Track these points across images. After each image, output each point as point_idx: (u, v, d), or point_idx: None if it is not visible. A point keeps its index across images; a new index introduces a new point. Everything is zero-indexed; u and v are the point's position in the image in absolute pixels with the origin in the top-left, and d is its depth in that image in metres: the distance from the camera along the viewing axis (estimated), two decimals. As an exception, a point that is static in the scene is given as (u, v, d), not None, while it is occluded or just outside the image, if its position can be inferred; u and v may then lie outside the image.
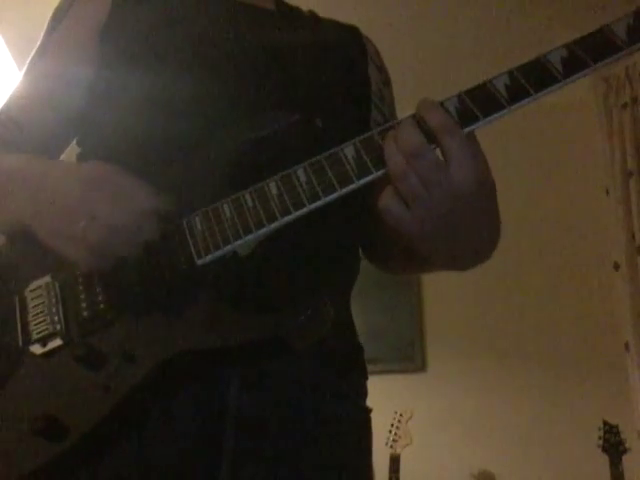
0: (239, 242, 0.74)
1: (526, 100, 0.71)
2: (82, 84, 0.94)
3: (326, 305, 0.73)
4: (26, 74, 0.98)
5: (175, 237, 0.76)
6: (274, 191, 0.74)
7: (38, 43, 1.00)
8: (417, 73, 2.59)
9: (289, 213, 0.72)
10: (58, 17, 1.00)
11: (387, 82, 1.08)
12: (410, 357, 3.13)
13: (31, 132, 0.93)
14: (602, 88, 3.01)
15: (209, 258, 0.74)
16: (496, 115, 0.71)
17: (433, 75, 2.77)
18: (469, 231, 0.75)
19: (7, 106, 0.96)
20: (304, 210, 0.72)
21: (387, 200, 0.70)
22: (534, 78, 0.72)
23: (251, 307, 0.74)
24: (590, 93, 3.05)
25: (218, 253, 0.74)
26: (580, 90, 3.03)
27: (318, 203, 0.72)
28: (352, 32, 1.10)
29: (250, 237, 0.73)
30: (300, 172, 0.74)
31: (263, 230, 0.73)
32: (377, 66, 1.07)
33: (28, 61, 0.98)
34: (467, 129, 0.71)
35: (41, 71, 0.97)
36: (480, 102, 0.71)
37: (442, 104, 0.72)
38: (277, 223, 0.73)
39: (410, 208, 0.70)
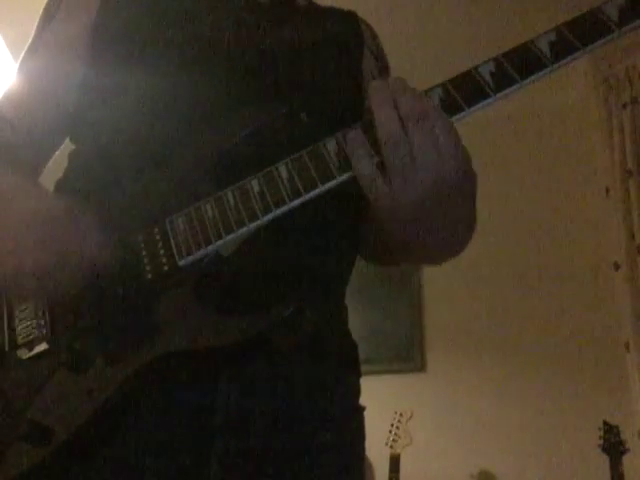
0: (220, 242, 0.73)
1: (512, 87, 0.69)
2: (73, 82, 0.94)
3: (308, 305, 0.72)
4: (18, 72, 0.98)
5: (158, 238, 0.76)
6: (256, 189, 0.73)
7: (29, 41, 0.99)
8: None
9: (270, 211, 0.72)
10: (49, 14, 1.00)
11: (383, 69, 1.07)
12: (410, 357, 3.12)
13: (24, 130, 0.93)
14: (602, 88, 3.01)
15: (191, 259, 0.74)
16: (481, 104, 0.69)
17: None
18: (445, 220, 0.73)
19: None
20: (285, 208, 0.71)
21: (367, 168, 0.68)
22: (521, 64, 0.69)
23: (233, 307, 0.73)
24: (590, 93, 3.05)
25: (200, 253, 0.74)
26: (580, 90, 3.03)
27: (299, 200, 0.71)
28: (349, 19, 1.08)
29: (231, 237, 0.73)
30: (282, 168, 0.73)
31: (244, 229, 0.72)
32: (374, 54, 1.05)
33: (20, 59, 0.98)
34: (453, 118, 0.69)
35: (32, 69, 0.97)
36: (465, 91, 0.70)
37: (426, 93, 0.71)
38: (258, 222, 0.72)
39: (391, 181, 0.67)
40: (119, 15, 0.95)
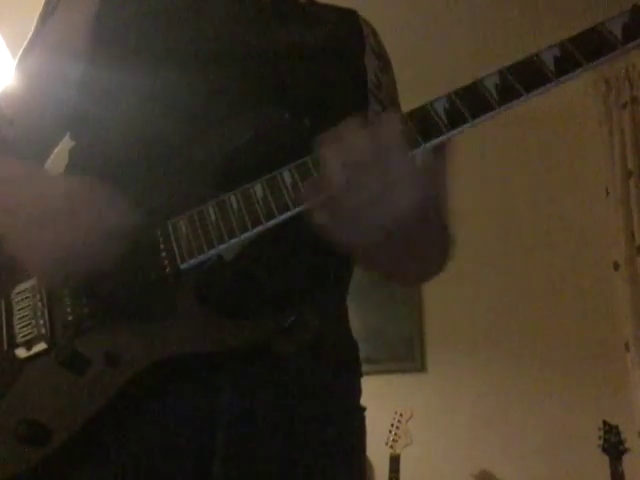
0: (223, 246, 0.73)
1: (517, 101, 0.69)
2: (73, 78, 0.93)
3: (309, 310, 0.72)
4: (17, 69, 0.98)
5: (160, 241, 0.76)
6: (259, 194, 0.73)
7: (28, 37, 0.99)
8: (415, 70, 2.59)
9: (273, 217, 0.71)
10: (48, 11, 0.99)
11: (385, 68, 1.06)
12: (410, 357, 3.12)
13: (22, 127, 0.93)
14: (602, 88, 3.01)
15: (193, 262, 0.74)
16: (485, 116, 0.69)
17: (430, 72, 2.76)
18: (406, 253, 0.73)
19: None
20: (288, 214, 0.71)
21: (325, 221, 0.66)
22: (525, 78, 0.69)
23: (235, 312, 0.73)
24: (590, 93, 3.05)
25: (202, 257, 0.74)
26: (580, 90, 3.03)
27: (303, 206, 0.71)
28: (350, 18, 1.08)
29: (234, 241, 0.73)
30: (286, 174, 0.72)
31: (247, 234, 0.72)
32: (375, 53, 1.05)
33: (19, 55, 0.98)
34: (457, 129, 0.70)
35: (31, 66, 0.97)
36: (469, 103, 0.70)
37: (431, 104, 0.71)
38: (261, 227, 0.72)
39: (347, 227, 0.66)
40: (119, 13, 0.94)
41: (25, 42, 0.99)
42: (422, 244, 0.75)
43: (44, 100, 0.95)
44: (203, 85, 0.88)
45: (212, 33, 0.93)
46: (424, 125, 0.70)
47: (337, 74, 0.96)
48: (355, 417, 0.91)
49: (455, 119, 0.70)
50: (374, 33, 1.09)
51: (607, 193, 2.92)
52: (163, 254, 0.75)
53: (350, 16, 1.08)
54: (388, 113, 0.71)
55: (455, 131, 0.70)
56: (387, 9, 2.58)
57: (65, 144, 0.98)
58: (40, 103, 0.95)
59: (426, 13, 2.88)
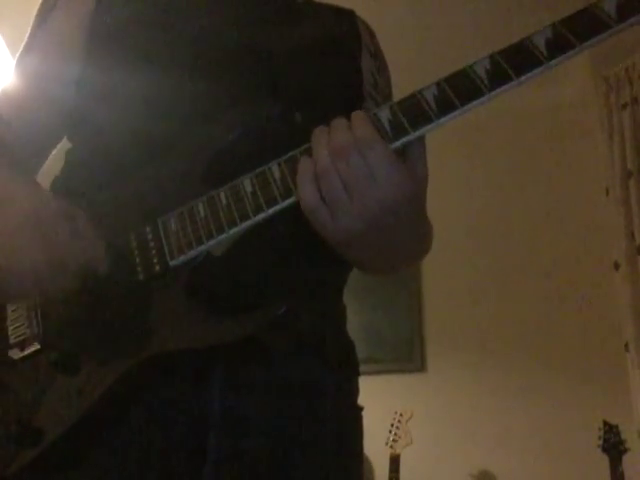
0: (212, 242, 0.73)
1: (508, 85, 0.68)
2: (70, 80, 0.94)
3: (301, 304, 0.72)
4: (15, 70, 0.98)
5: (150, 238, 0.76)
6: (248, 188, 0.73)
7: (25, 38, 0.99)
8: (414, 63, 2.59)
9: (262, 211, 0.71)
10: (44, 12, 1.00)
11: (382, 69, 1.06)
12: (410, 357, 3.12)
13: (20, 128, 0.93)
14: (602, 88, 3.01)
15: (182, 259, 0.74)
16: (476, 102, 0.69)
17: (429, 73, 2.76)
18: (391, 245, 0.74)
19: None
20: (277, 207, 0.71)
21: (311, 200, 0.69)
22: (517, 61, 0.68)
23: (225, 308, 0.73)
24: (590, 93, 3.05)
25: (191, 254, 0.74)
26: (580, 90, 3.03)
27: (291, 200, 0.71)
28: (347, 17, 1.08)
29: (223, 237, 0.73)
30: (274, 168, 0.73)
31: (235, 229, 0.72)
32: (371, 53, 1.04)
33: (16, 57, 0.98)
34: (448, 116, 0.69)
35: (28, 67, 0.97)
36: (459, 89, 0.69)
37: (420, 92, 0.70)
38: (250, 222, 0.72)
39: (332, 213, 0.69)
40: (115, 13, 0.95)
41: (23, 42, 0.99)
42: (407, 238, 0.75)
43: (42, 101, 0.95)
44: (197, 82, 0.88)
45: (207, 32, 0.93)
46: (413, 113, 0.70)
47: (332, 73, 0.96)
48: (352, 417, 0.90)
49: (444, 106, 0.69)
50: (371, 34, 1.09)
51: (607, 193, 2.92)
52: (153, 252, 0.75)
53: (347, 16, 1.08)
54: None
55: (445, 118, 0.69)
56: (386, 10, 2.58)
57: (62, 146, 0.98)
58: (38, 104, 0.95)
59: (426, 15, 2.88)
